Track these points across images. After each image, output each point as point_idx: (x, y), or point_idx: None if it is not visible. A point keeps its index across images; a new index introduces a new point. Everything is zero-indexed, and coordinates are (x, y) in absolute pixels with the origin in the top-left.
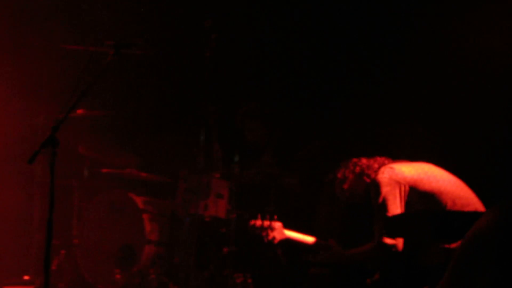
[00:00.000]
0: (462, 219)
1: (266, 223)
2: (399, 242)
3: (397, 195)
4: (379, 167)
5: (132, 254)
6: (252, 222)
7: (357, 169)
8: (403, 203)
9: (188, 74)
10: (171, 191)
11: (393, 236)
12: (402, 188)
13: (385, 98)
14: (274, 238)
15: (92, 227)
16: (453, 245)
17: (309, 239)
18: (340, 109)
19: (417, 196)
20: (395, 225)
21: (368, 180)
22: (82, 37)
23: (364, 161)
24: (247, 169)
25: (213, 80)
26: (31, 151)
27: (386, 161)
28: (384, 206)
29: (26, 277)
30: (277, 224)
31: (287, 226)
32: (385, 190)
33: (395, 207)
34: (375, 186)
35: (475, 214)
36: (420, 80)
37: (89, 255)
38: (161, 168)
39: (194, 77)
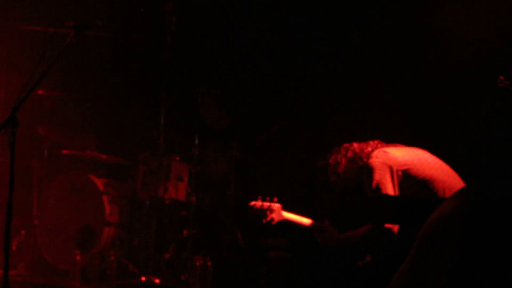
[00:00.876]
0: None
1: (266, 204)
2: (395, 226)
3: (390, 179)
4: (372, 151)
5: (91, 235)
6: (252, 203)
7: (349, 153)
8: (396, 188)
9: (149, 56)
10: (131, 173)
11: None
12: (395, 173)
13: (349, 81)
14: (272, 219)
15: (52, 208)
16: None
17: (307, 220)
18: (301, 92)
19: (409, 182)
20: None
21: (361, 163)
22: (42, 17)
23: (355, 145)
24: (207, 152)
25: (174, 62)
26: None
27: (379, 145)
28: (378, 191)
29: None
30: (276, 206)
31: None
32: (378, 174)
33: (389, 192)
34: (368, 170)
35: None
36: (381, 63)
37: (49, 236)
38: (121, 150)
39: (155, 59)
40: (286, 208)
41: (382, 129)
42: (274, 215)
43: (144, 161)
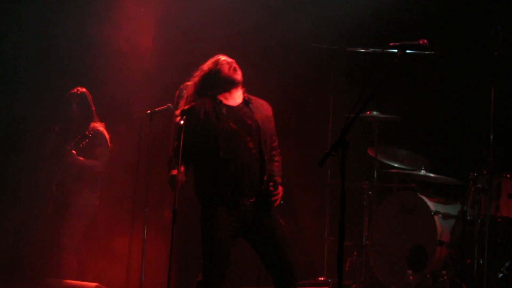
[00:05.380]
0: None
1: None
2: None
3: None
4: None
5: (424, 255)
6: None
7: None
8: None
9: (476, 73)
10: (460, 192)
11: None
12: None
13: None
14: None
15: (383, 229)
16: None
17: None
18: None
19: None
20: None
21: None
22: (368, 40)
23: None
24: None
25: (502, 78)
26: (322, 154)
27: None
28: None
29: (321, 278)
30: None
31: None
32: None
33: None
34: None
35: None
36: None
37: (381, 256)
38: (451, 169)
39: (482, 76)
40: None
41: None
42: None
43: (474, 180)
